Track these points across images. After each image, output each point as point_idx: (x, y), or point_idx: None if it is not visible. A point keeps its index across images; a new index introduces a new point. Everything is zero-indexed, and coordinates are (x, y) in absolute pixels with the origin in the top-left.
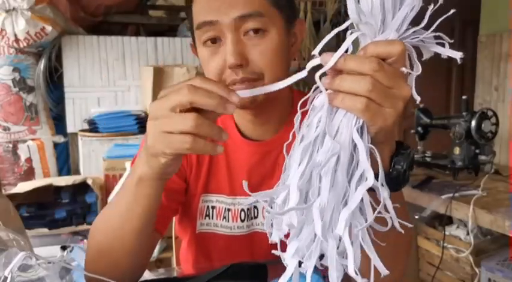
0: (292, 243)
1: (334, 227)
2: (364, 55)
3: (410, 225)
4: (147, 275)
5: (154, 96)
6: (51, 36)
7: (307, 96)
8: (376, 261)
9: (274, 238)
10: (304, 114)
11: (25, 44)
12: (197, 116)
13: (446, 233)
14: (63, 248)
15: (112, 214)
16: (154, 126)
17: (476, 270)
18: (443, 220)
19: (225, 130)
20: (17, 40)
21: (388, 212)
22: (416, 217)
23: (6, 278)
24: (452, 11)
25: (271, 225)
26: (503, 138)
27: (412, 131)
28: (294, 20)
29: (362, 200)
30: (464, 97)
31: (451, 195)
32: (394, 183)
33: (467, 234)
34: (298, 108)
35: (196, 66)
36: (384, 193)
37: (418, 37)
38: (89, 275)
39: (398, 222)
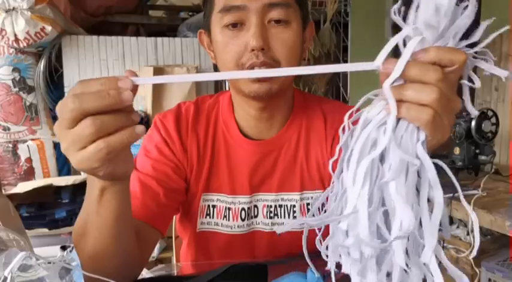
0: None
1: (412, 253)
2: (425, 59)
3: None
4: (145, 273)
5: (154, 96)
6: (51, 36)
7: (356, 106)
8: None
9: (346, 269)
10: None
11: (25, 44)
12: (91, 120)
13: None
14: (63, 248)
15: (86, 225)
16: (67, 150)
17: (477, 270)
18: None
19: (134, 112)
20: (16, 40)
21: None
22: None
23: (6, 278)
24: (506, 27)
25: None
26: (503, 138)
27: None
28: (308, 22)
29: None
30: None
31: (451, 195)
32: None
33: (468, 234)
34: (346, 119)
35: (196, 66)
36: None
37: (469, 50)
38: (88, 275)
39: None
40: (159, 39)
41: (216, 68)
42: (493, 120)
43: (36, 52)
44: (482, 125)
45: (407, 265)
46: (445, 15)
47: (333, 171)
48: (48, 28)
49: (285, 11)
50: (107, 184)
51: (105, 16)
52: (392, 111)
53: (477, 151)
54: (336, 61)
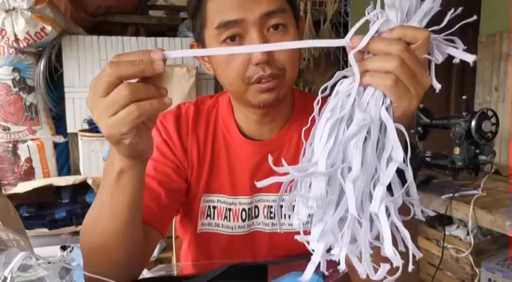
0: (317, 226)
1: (365, 205)
2: (390, 36)
3: (430, 213)
4: (145, 273)
5: None
6: (51, 36)
7: (330, 82)
8: (408, 241)
9: (302, 217)
10: (323, 101)
11: (25, 44)
12: (127, 84)
13: (446, 233)
14: (63, 248)
15: (99, 212)
16: (99, 117)
17: (477, 270)
18: (443, 220)
19: (163, 87)
20: (16, 40)
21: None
22: (417, 217)
23: (6, 278)
24: (474, 17)
25: (295, 207)
26: (503, 138)
27: (412, 131)
28: (299, 17)
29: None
30: (464, 97)
31: (451, 195)
32: (402, 182)
33: (467, 234)
34: (320, 92)
35: (196, 66)
36: (409, 175)
37: (434, 37)
38: (88, 275)
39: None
40: (159, 39)
41: (216, 79)
42: (493, 120)
43: (36, 52)
44: (482, 125)
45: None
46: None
47: (305, 139)
48: (48, 28)
49: (282, 17)
50: (126, 165)
51: (105, 16)
52: (356, 77)
53: (477, 151)
54: (336, 61)
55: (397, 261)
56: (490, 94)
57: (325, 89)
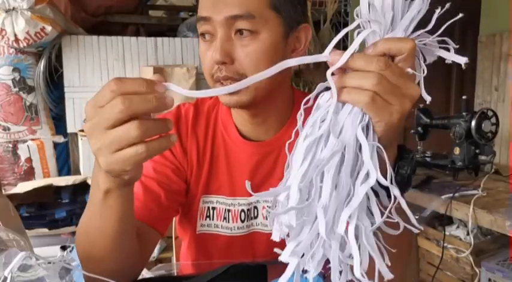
0: (290, 243)
1: (336, 227)
2: (374, 52)
3: (417, 230)
4: (145, 273)
5: None
6: (51, 36)
7: (311, 95)
8: (381, 264)
9: (275, 237)
10: (307, 112)
11: (25, 44)
12: (139, 123)
13: (446, 233)
14: (63, 248)
15: (88, 226)
16: (100, 151)
17: (477, 270)
18: (443, 220)
19: (168, 119)
20: (16, 40)
21: (396, 214)
22: (417, 217)
23: (6, 278)
24: (460, 15)
25: (273, 223)
26: (503, 138)
27: (412, 131)
28: (298, 24)
29: (369, 202)
30: (464, 97)
31: (451, 195)
32: (398, 188)
33: (468, 234)
34: (302, 105)
35: (196, 66)
36: (395, 191)
37: (423, 40)
38: (88, 275)
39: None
40: (159, 39)
41: None
42: (493, 120)
43: (36, 52)
44: (482, 125)
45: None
46: (389, 9)
47: (289, 152)
48: (48, 28)
49: (250, 22)
50: (112, 187)
51: (105, 16)
52: (334, 96)
53: (477, 151)
54: None
55: None
56: (490, 94)
57: (308, 100)
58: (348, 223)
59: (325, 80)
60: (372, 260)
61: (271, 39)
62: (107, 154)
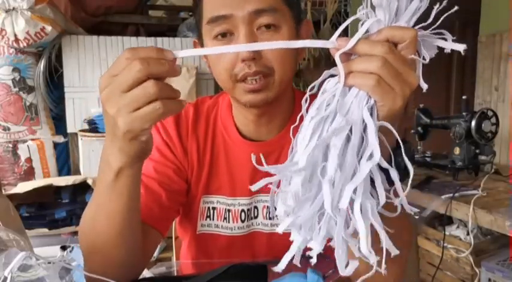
0: (289, 217)
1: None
2: (378, 38)
3: (415, 210)
4: (146, 273)
5: None
6: (51, 36)
7: (316, 81)
8: (387, 240)
9: (280, 212)
10: (312, 98)
11: (25, 44)
12: (155, 82)
13: (446, 233)
14: (63, 248)
15: (96, 213)
16: (119, 111)
17: (477, 270)
18: (443, 220)
19: (176, 89)
20: (17, 40)
21: (396, 197)
22: (417, 217)
23: (6, 278)
24: (455, 8)
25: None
26: (503, 138)
27: (412, 131)
28: (301, 20)
29: (374, 182)
30: (464, 97)
31: (451, 195)
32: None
33: (467, 234)
34: (308, 90)
35: (196, 66)
36: (393, 174)
37: (422, 31)
38: (88, 275)
39: (403, 212)
40: (159, 39)
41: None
42: (493, 120)
43: (36, 52)
44: (482, 125)
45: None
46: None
47: (293, 136)
48: (48, 28)
49: (273, 16)
50: (125, 164)
51: (105, 16)
52: (341, 78)
53: (477, 151)
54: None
55: (372, 259)
56: (490, 94)
57: (313, 87)
58: (353, 200)
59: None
60: (374, 238)
61: (290, 33)
62: (125, 114)
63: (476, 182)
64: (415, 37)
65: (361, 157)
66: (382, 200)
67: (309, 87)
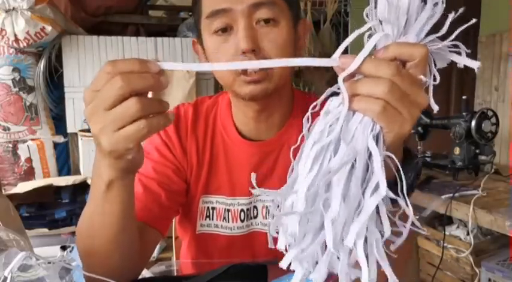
0: (293, 249)
1: (345, 240)
2: (384, 56)
3: (422, 232)
4: (145, 273)
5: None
6: (51, 36)
7: (319, 100)
8: (391, 275)
9: (281, 245)
10: (313, 116)
11: (25, 44)
12: (138, 99)
13: (446, 233)
14: (63, 248)
15: (91, 220)
16: (102, 131)
17: (477, 270)
18: (443, 220)
19: (164, 101)
20: (16, 40)
21: (400, 220)
22: (417, 217)
23: (6, 278)
24: (473, 20)
25: (279, 231)
26: (503, 138)
27: (412, 131)
28: (299, 18)
29: (378, 211)
30: (464, 97)
31: (451, 195)
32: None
33: (467, 234)
34: (310, 109)
35: None
36: (402, 203)
37: (436, 45)
38: (88, 275)
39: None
40: (159, 39)
41: (216, 79)
42: (493, 120)
43: (36, 52)
44: (482, 125)
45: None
46: (404, 12)
47: (294, 157)
48: (48, 28)
49: (272, 10)
50: (116, 177)
51: (105, 16)
52: (345, 103)
53: (477, 151)
54: None
55: None
56: (490, 94)
57: (315, 105)
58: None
59: (325, 80)
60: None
61: (289, 28)
62: (109, 133)
63: (476, 182)
64: (426, 55)
65: (366, 187)
66: (387, 233)
67: (311, 106)
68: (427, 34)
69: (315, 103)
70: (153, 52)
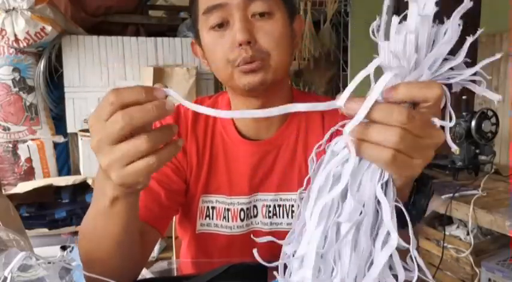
0: None
1: None
2: (394, 99)
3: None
4: (145, 273)
5: None
6: (51, 36)
7: (323, 139)
8: None
9: None
10: (318, 155)
11: (25, 44)
12: (147, 137)
13: (446, 233)
14: (63, 248)
15: (93, 229)
16: (110, 166)
17: (477, 270)
18: (443, 220)
19: (173, 125)
20: (17, 40)
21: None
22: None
23: (6, 278)
24: (480, 30)
25: None
26: (503, 138)
27: None
28: (294, 15)
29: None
30: (464, 97)
31: (451, 195)
32: (413, 219)
33: (467, 234)
34: (314, 149)
35: (196, 66)
36: (414, 252)
37: (453, 77)
38: (88, 275)
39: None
40: (159, 39)
41: (216, 79)
42: (493, 120)
43: (36, 52)
44: (482, 125)
45: None
46: (413, 52)
47: (301, 200)
48: (48, 28)
49: (266, 3)
50: (121, 195)
51: (105, 16)
52: (352, 155)
53: (477, 151)
54: (336, 61)
55: None
56: None
57: (320, 145)
58: None
59: (324, 80)
60: None
61: (285, 21)
62: (118, 169)
63: (476, 182)
64: (440, 96)
65: (376, 234)
66: (402, 278)
67: (316, 146)
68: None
69: (319, 143)
70: (153, 52)
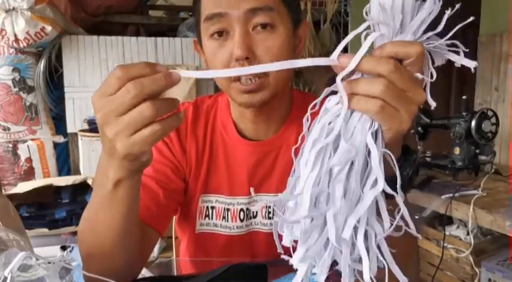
0: (301, 248)
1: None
2: (381, 54)
3: (419, 237)
4: (145, 272)
5: None
6: (51, 36)
7: (317, 99)
8: (394, 269)
9: (286, 242)
10: (313, 116)
11: (25, 44)
12: (151, 103)
13: (446, 233)
14: (63, 248)
15: (95, 220)
16: (117, 135)
17: (477, 270)
18: (443, 220)
19: (175, 98)
20: (16, 40)
21: (401, 218)
22: (417, 217)
23: (6, 278)
24: (471, 18)
25: (283, 229)
26: (503, 138)
27: (412, 131)
28: (300, 21)
29: (378, 206)
30: (464, 97)
31: (451, 195)
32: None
33: (468, 234)
34: (309, 110)
35: (196, 66)
36: (399, 199)
37: (433, 43)
38: (88, 275)
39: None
40: (159, 39)
41: None
42: (493, 120)
43: (36, 52)
44: (482, 125)
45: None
46: (398, 12)
47: (295, 156)
48: (48, 28)
49: (269, 15)
50: (124, 176)
51: (105, 16)
52: (344, 103)
53: (477, 151)
54: None
55: None
56: (490, 94)
57: (315, 105)
58: (357, 227)
59: (325, 80)
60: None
61: (286, 33)
62: (124, 138)
63: (476, 182)
64: (422, 53)
65: (365, 183)
66: (387, 225)
67: (310, 106)
68: (425, 32)
69: (314, 102)
70: (153, 52)
